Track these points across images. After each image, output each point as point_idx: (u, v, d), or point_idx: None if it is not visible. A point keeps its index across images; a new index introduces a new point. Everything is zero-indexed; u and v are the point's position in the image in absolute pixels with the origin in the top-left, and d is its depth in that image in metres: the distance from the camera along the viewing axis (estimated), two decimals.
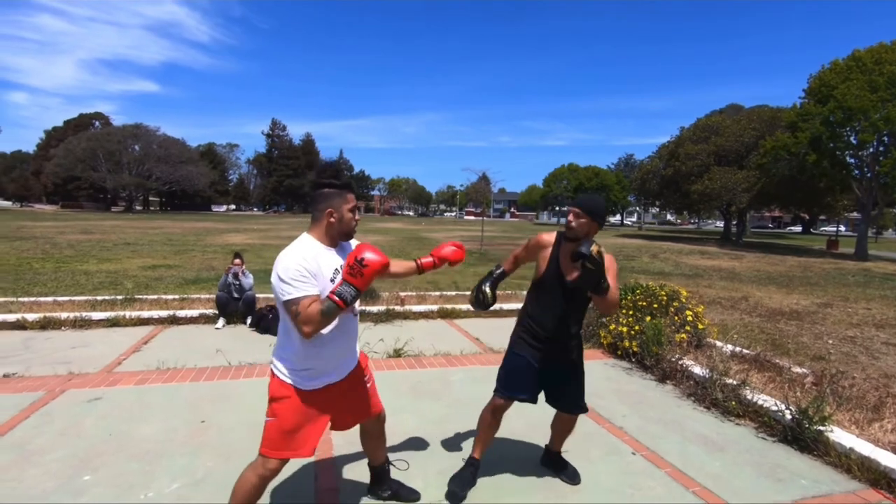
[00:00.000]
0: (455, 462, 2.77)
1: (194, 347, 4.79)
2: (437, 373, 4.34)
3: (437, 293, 7.86)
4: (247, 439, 2.96)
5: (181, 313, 5.85)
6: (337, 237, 1.93)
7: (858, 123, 22.22)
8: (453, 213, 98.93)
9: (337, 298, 1.67)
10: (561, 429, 2.69)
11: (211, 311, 5.88)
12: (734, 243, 30.83)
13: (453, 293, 8.08)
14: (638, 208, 67.56)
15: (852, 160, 24.40)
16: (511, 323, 2.64)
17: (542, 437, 2.98)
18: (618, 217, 75.81)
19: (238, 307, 5.84)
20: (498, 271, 2.65)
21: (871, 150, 23.30)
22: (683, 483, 2.67)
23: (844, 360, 5.61)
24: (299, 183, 74.92)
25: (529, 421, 3.28)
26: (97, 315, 5.60)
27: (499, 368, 2.54)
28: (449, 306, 6.71)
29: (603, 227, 2.37)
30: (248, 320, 5.76)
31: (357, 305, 2.01)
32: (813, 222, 62.34)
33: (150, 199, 69.41)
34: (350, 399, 2.06)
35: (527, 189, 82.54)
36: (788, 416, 3.22)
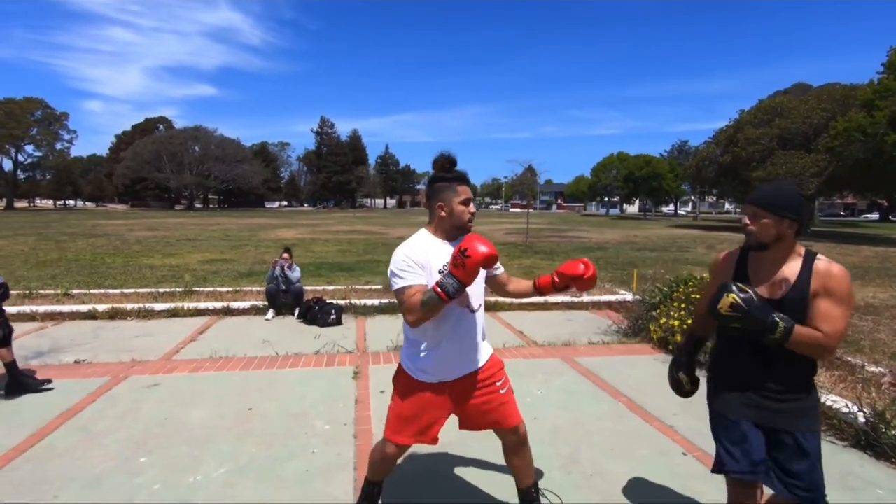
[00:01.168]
0: (490, 455, 2.72)
1: (245, 337, 4.99)
2: None
3: None
4: (288, 427, 3.04)
5: (234, 305, 6.10)
6: (450, 231, 1.88)
7: None
8: (499, 206, 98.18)
9: (439, 290, 1.63)
10: None
11: (261, 303, 6.10)
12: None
13: None
14: (693, 197, 64.48)
15: None
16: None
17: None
18: (671, 207, 72.62)
19: (286, 299, 6.03)
20: (688, 343, 2.02)
21: None
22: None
23: None
24: (347, 179, 76.74)
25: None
26: (159, 306, 5.94)
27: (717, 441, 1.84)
28: (493, 299, 6.63)
29: (804, 228, 1.69)
30: (296, 312, 5.93)
31: (478, 302, 1.93)
32: (892, 209, 57.20)
33: (209, 197, 73.28)
34: (474, 402, 1.96)
35: (574, 179, 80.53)
36: (862, 420, 2.95)
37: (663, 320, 4.83)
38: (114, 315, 5.77)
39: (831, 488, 2.54)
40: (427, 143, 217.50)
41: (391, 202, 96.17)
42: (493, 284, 2.12)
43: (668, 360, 4.53)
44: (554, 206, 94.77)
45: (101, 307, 5.82)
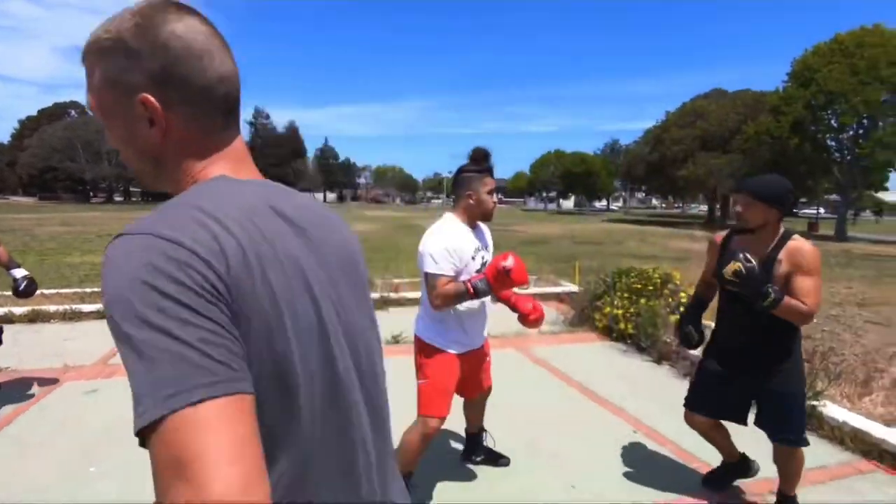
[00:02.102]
0: (446, 447, 2.80)
1: None
2: None
3: None
4: None
5: None
6: (476, 218, 2.11)
7: (839, 107, 22.61)
8: (440, 200, 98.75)
9: (472, 289, 1.87)
10: (779, 464, 2.23)
11: None
12: (719, 226, 31.29)
13: None
14: (624, 193, 68.12)
15: (833, 143, 24.87)
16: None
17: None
18: (604, 202, 76.37)
19: None
20: (694, 304, 2.40)
21: (851, 133, 23.75)
22: (686, 460, 2.74)
23: (830, 338, 5.75)
24: (284, 172, 73.97)
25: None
26: (87, 307, 5.50)
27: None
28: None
29: (788, 214, 1.97)
30: None
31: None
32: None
33: (131, 189, 68.00)
34: (479, 369, 2.29)
35: (514, 176, 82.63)
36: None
37: (607, 309, 5.13)
38: (34, 318, 5.27)
39: (764, 453, 2.86)
40: (368, 136, 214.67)
41: (331, 196, 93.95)
42: None
43: (612, 347, 4.85)
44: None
45: (17, 310, 5.30)
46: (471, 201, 2.05)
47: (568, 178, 57.03)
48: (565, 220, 36.81)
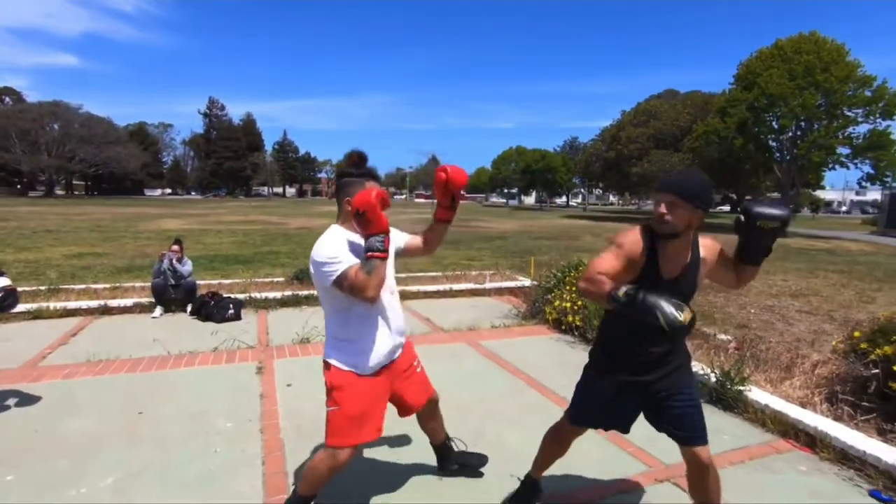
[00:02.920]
0: (398, 438, 2.81)
1: (129, 338, 4.54)
2: None
3: None
4: (186, 429, 2.88)
5: (113, 303, 5.51)
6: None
7: (779, 109, 23.91)
8: (403, 196, 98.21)
9: (370, 252, 1.71)
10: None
11: (147, 300, 5.58)
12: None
13: (404, 275, 8.07)
14: (582, 190, 69.76)
15: (774, 144, 26.29)
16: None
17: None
18: (564, 198, 78.01)
19: (177, 294, 5.58)
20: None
21: (790, 134, 25.18)
22: (619, 445, 2.86)
23: (764, 326, 6.12)
24: (240, 165, 71.65)
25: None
26: (18, 307, 5.16)
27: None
28: (400, 288, 6.69)
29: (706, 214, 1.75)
30: (189, 308, 5.52)
31: (393, 283, 2.04)
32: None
33: (74, 182, 64.18)
34: (408, 381, 2.09)
35: (475, 171, 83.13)
36: (713, 379, 3.50)
37: (557, 303, 5.26)
38: None
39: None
40: (329, 130, 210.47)
41: (290, 191, 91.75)
42: (414, 251, 2.19)
43: (561, 340, 4.98)
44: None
45: None
46: (349, 208, 1.80)
47: (529, 174, 57.89)
48: (525, 216, 37.39)
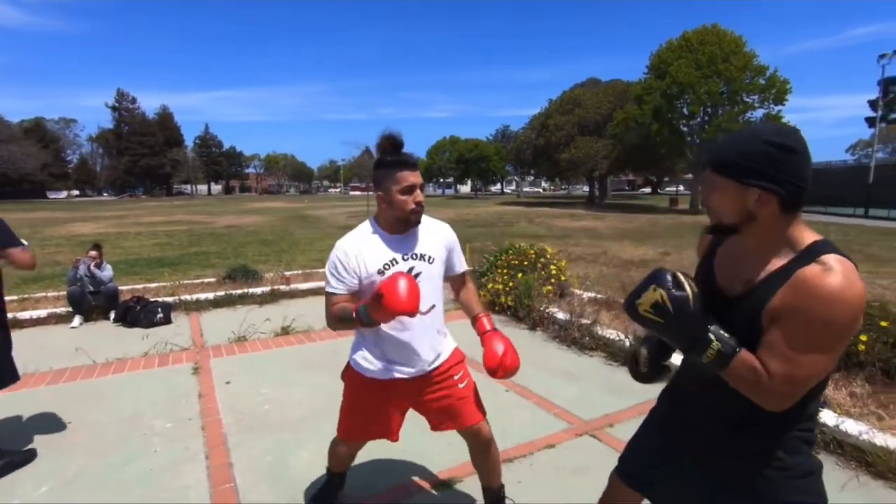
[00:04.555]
0: None
1: (47, 350, 4.28)
2: (328, 345, 4.42)
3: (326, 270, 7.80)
4: (122, 433, 2.83)
5: (23, 315, 5.14)
6: (394, 223, 1.66)
7: (688, 96, 25.86)
8: (338, 189, 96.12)
9: (355, 315, 1.53)
10: None
11: (63, 310, 5.25)
12: (597, 206, 34.38)
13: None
14: (516, 177, 71.64)
15: (685, 128, 28.39)
16: None
17: None
18: (498, 186, 79.80)
19: (97, 301, 5.29)
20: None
21: (699, 119, 27.32)
22: (546, 408, 3.15)
23: None
24: (158, 162, 66.85)
25: None
26: None
27: None
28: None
29: (797, 203, 1.02)
30: (112, 315, 5.25)
31: (428, 304, 1.72)
32: (659, 184, 71.67)
33: None
34: (429, 397, 1.82)
35: (374, 165, 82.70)
36: (628, 344, 3.90)
37: (490, 285, 5.54)
38: None
39: (608, 395, 3.36)
40: (255, 122, 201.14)
41: (216, 188, 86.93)
42: (452, 284, 1.96)
43: (495, 320, 5.23)
44: None
45: None
46: (383, 204, 1.64)
47: (463, 163, 58.63)
48: (461, 204, 37.95)
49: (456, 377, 1.85)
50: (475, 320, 1.88)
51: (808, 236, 1.04)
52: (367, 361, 1.76)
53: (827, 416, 2.61)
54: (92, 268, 5.28)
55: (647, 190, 77.23)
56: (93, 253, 5.42)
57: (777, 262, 1.04)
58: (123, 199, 57.32)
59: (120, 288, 5.63)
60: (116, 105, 69.62)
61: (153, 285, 6.50)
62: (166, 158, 67.84)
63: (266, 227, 18.45)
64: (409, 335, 1.72)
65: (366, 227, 1.72)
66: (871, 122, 26.63)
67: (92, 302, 5.28)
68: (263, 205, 39.15)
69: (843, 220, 20.64)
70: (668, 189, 68.12)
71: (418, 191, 1.63)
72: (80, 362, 3.95)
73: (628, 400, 3.27)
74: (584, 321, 4.40)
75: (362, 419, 1.83)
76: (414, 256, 1.71)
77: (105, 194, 71.02)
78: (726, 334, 1.02)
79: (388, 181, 1.62)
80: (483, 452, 1.92)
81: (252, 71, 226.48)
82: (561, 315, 4.66)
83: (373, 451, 1.88)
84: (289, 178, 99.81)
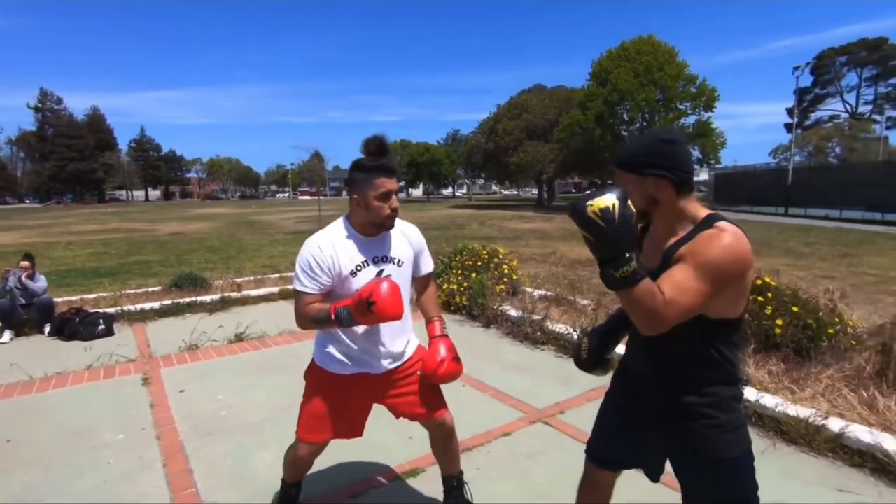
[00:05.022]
0: None
1: None
2: (283, 350, 4.40)
3: (277, 275, 7.68)
4: (70, 447, 2.73)
5: None
6: (367, 227, 1.69)
7: (628, 103, 27.24)
8: (286, 194, 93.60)
9: (334, 317, 1.56)
10: None
11: None
12: (546, 208, 35.43)
13: (293, 274, 7.97)
14: (467, 180, 72.54)
15: (626, 133, 29.84)
16: None
17: None
18: (450, 189, 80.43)
19: (30, 315, 4.98)
20: (614, 315, 1.63)
21: (638, 125, 28.81)
22: (502, 400, 3.31)
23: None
24: (89, 167, 62.65)
25: None
26: None
27: None
28: (291, 287, 6.65)
29: (685, 180, 1.24)
30: (47, 328, 4.96)
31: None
32: (602, 186, 74.57)
33: None
34: (394, 392, 1.86)
35: (352, 166, 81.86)
36: (576, 338, 4.13)
37: (445, 286, 5.67)
38: None
39: (559, 385, 3.56)
40: (196, 125, 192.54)
41: (155, 194, 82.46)
42: (416, 286, 1.99)
43: (450, 319, 5.39)
44: (345, 193, 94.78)
45: None
46: (358, 207, 1.66)
47: (415, 166, 58.73)
48: (413, 207, 38.02)
49: (419, 373, 1.90)
50: (428, 322, 1.95)
51: (703, 211, 1.27)
52: (333, 359, 1.78)
53: (748, 392, 2.92)
54: (24, 279, 4.98)
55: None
56: (24, 263, 5.11)
57: (682, 233, 1.27)
58: (50, 207, 53.19)
59: (56, 300, 5.32)
60: (39, 106, 64.74)
61: (92, 296, 6.17)
62: (98, 163, 63.75)
63: (212, 233, 17.76)
64: (377, 334, 1.76)
65: (338, 227, 1.72)
66: (788, 127, 29.05)
67: (24, 315, 4.97)
68: (208, 211, 37.55)
69: (767, 218, 22.41)
70: None
71: (394, 197, 1.67)
72: (15, 378, 3.73)
73: (577, 389, 3.48)
74: (535, 317, 4.62)
75: (326, 417, 1.81)
76: (385, 260, 1.75)
77: (27, 201, 65.64)
78: (643, 266, 1.16)
79: (365, 185, 1.64)
80: (446, 442, 2.00)
81: (191, 71, 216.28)
82: (513, 312, 4.85)
83: (333, 446, 1.92)
84: (234, 182, 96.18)
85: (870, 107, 51.76)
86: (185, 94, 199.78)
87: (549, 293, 5.82)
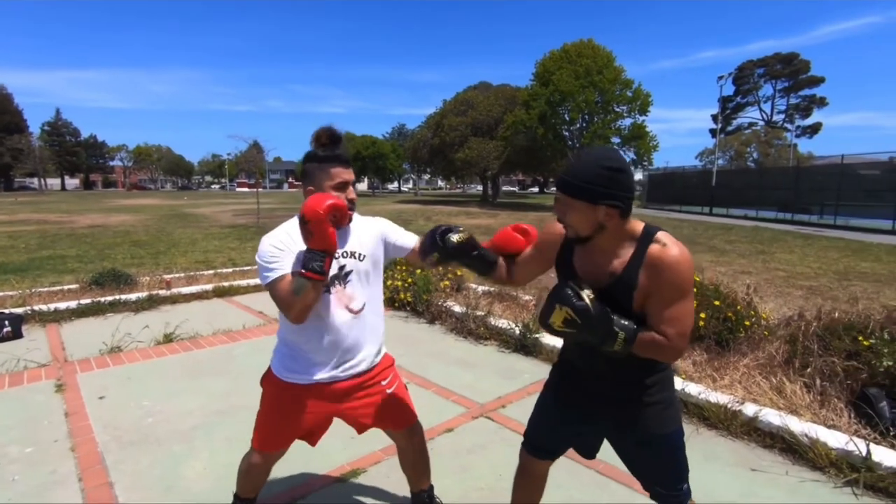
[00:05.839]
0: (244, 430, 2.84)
1: None
2: (217, 350, 4.18)
3: (211, 272, 7.29)
4: None
5: None
6: None
7: (569, 104, 28.12)
8: (222, 185, 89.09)
9: (304, 270, 1.45)
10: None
11: None
12: (491, 204, 35.99)
13: (230, 270, 7.61)
14: (412, 175, 72.27)
15: (567, 133, 30.82)
16: None
17: None
18: (396, 184, 79.77)
19: None
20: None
21: (578, 125, 29.84)
22: (445, 395, 3.33)
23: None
24: None
25: None
26: None
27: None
28: (226, 284, 6.34)
29: (630, 209, 1.32)
30: None
31: (360, 302, 1.70)
32: (546, 184, 76.95)
33: None
34: (355, 403, 1.76)
35: (305, 158, 79.43)
36: (518, 332, 4.23)
37: (389, 282, 5.62)
38: None
39: (501, 379, 3.63)
40: (120, 109, 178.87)
41: (72, 182, 75.84)
42: (415, 258, 1.83)
43: (395, 316, 5.36)
44: (285, 185, 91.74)
45: None
46: None
47: (360, 160, 57.66)
48: (359, 202, 36.41)
49: (384, 382, 1.82)
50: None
51: (637, 225, 1.36)
52: (289, 367, 1.69)
53: (676, 382, 3.11)
54: None
55: (536, 190, 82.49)
56: None
57: (627, 252, 1.34)
58: None
59: None
60: None
61: None
62: (4, 147, 57.61)
63: (139, 226, 16.57)
64: (337, 336, 1.66)
65: (291, 223, 1.63)
66: (713, 133, 31.18)
67: None
68: (134, 202, 35.03)
69: (693, 217, 24.01)
70: (553, 189, 73.06)
71: (351, 187, 1.63)
72: None
73: (519, 383, 3.56)
74: (478, 313, 4.68)
75: (283, 427, 1.72)
76: (345, 255, 1.68)
77: None
78: (625, 321, 1.29)
79: (320, 176, 1.59)
80: (416, 455, 1.93)
81: (111, 48, 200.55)
82: (457, 308, 4.89)
83: None
84: (164, 172, 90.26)
85: (782, 116, 56.74)
86: (106, 75, 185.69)
87: (493, 289, 5.91)
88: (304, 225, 1.43)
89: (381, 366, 1.84)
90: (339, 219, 1.47)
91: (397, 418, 1.85)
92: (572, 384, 1.55)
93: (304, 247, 1.52)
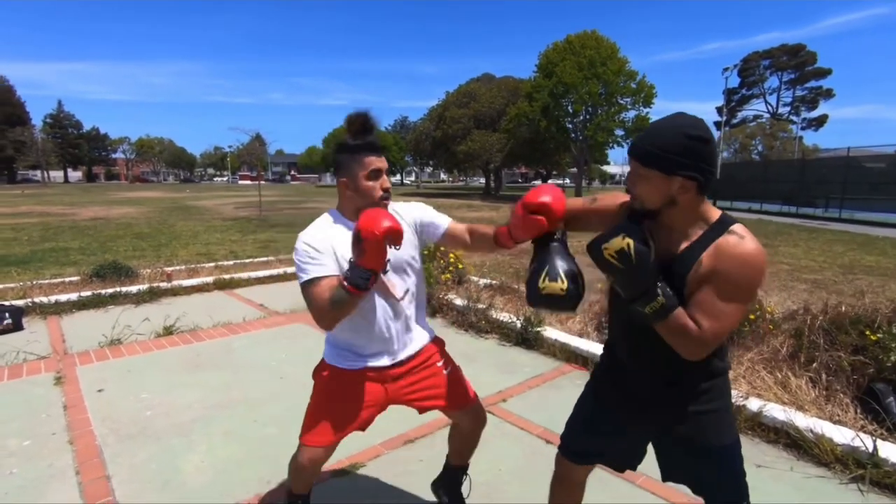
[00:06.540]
0: (243, 424, 2.82)
1: None
2: (217, 343, 4.16)
3: (212, 264, 7.27)
4: None
5: None
6: (361, 212, 1.49)
7: (572, 96, 27.90)
8: (225, 178, 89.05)
9: (347, 284, 1.38)
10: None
11: None
12: (493, 196, 35.88)
13: (231, 262, 7.59)
14: (415, 168, 72.04)
15: (570, 125, 30.61)
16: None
17: None
18: (398, 177, 79.61)
19: None
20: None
21: (581, 117, 29.62)
22: None
23: None
24: None
25: None
26: None
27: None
28: (227, 276, 6.32)
29: (707, 183, 1.17)
30: None
31: (403, 289, 1.66)
32: (548, 177, 76.70)
33: None
34: (411, 387, 1.75)
35: (307, 150, 79.41)
36: (519, 325, 4.20)
37: None
38: None
39: (502, 373, 3.60)
40: (121, 101, 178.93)
41: (75, 175, 75.96)
42: (451, 242, 1.76)
43: None
44: (288, 178, 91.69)
45: None
46: (347, 191, 1.57)
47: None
48: None
49: (439, 363, 1.81)
50: (497, 236, 1.60)
51: (714, 212, 1.23)
52: (342, 355, 1.69)
53: None
54: None
55: (538, 182, 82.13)
56: None
57: (694, 235, 1.21)
58: None
59: None
60: None
61: None
62: (7, 139, 57.63)
63: (141, 218, 16.57)
64: (383, 325, 1.64)
65: (327, 219, 1.62)
66: (718, 125, 30.94)
67: None
68: (136, 194, 35.06)
69: None
70: (556, 181, 72.96)
71: (385, 176, 1.59)
72: None
73: (520, 376, 3.54)
74: (480, 306, 4.64)
75: (334, 416, 1.67)
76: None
77: None
78: (670, 291, 1.16)
79: (353, 166, 1.54)
80: (474, 431, 1.92)
81: (113, 41, 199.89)
82: (459, 301, 4.86)
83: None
84: (167, 165, 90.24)
85: (788, 108, 56.24)
86: (108, 67, 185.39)
87: (494, 282, 5.88)
88: (358, 243, 1.36)
89: (431, 348, 1.82)
90: (394, 241, 1.39)
91: (458, 399, 1.82)
92: (617, 383, 1.43)
93: (341, 249, 1.51)
